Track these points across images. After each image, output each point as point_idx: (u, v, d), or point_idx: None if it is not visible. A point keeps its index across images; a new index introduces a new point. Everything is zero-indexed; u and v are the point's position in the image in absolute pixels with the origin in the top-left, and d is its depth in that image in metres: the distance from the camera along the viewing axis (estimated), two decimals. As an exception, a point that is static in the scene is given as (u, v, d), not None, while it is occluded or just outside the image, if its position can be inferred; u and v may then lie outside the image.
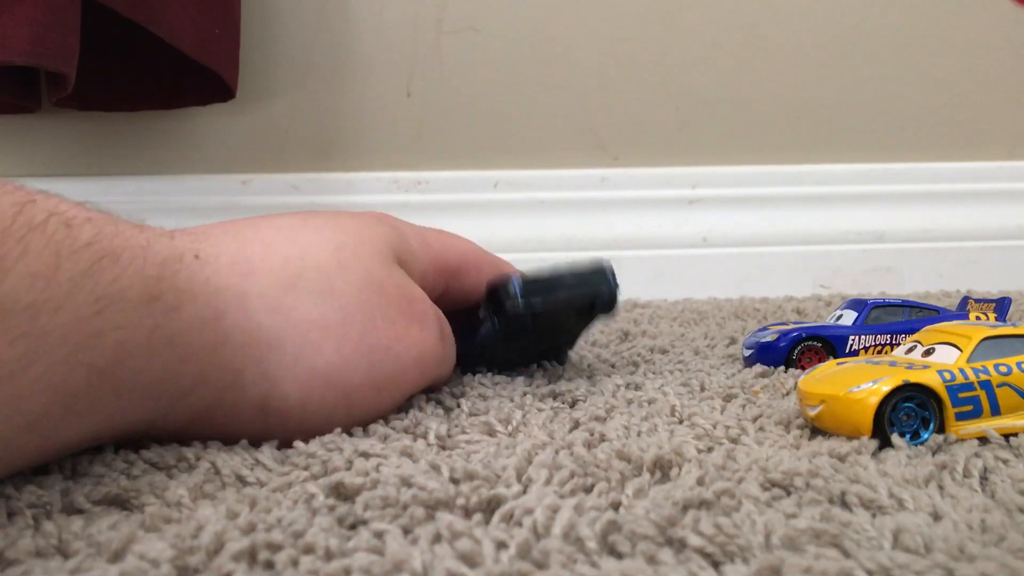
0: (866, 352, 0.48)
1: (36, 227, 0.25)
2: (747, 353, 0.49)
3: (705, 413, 0.37)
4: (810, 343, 0.48)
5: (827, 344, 0.48)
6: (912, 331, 0.48)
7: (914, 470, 0.28)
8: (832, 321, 0.51)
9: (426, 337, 0.36)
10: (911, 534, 0.23)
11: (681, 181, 0.97)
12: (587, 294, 0.42)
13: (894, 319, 0.49)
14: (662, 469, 0.29)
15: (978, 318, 0.50)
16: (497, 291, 0.42)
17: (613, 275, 0.43)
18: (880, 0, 1.00)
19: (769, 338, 0.48)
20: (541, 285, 0.42)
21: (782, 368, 0.47)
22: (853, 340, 0.48)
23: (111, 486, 0.28)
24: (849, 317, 0.50)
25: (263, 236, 0.34)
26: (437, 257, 0.41)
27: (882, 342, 0.48)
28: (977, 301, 0.53)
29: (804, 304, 0.80)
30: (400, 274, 0.37)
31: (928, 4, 1.01)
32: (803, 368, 0.47)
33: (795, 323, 0.53)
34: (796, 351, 0.47)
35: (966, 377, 0.33)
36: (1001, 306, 0.51)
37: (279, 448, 0.32)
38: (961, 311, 0.52)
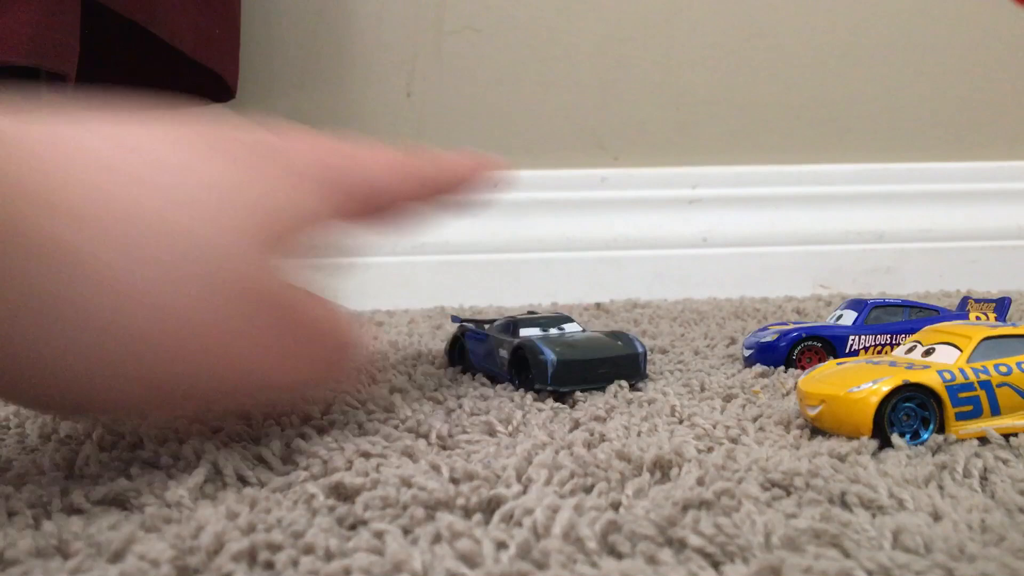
0: (866, 352, 0.48)
1: None
2: (747, 353, 0.49)
3: (705, 413, 0.37)
4: (810, 343, 0.48)
5: (827, 344, 0.48)
6: (912, 331, 0.48)
7: (914, 470, 0.28)
8: (832, 321, 0.51)
9: (277, 362, 0.29)
10: (911, 534, 0.23)
11: (681, 181, 0.97)
12: (614, 379, 0.43)
13: (894, 319, 0.49)
14: (662, 469, 0.29)
15: (978, 318, 0.50)
16: (527, 364, 0.42)
17: (645, 360, 0.44)
18: (880, 0, 1.00)
19: (769, 338, 0.48)
20: (574, 370, 0.41)
21: (782, 368, 0.47)
22: (853, 340, 0.48)
23: (111, 486, 0.28)
24: (849, 317, 0.50)
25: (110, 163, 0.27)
26: (341, 187, 0.33)
27: (882, 342, 0.48)
28: (977, 301, 0.53)
29: (804, 304, 0.80)
30: (260, 273, 0.29)
31: (928, 4, 1.01)
32: (803, 368, 0.47)
33: (795, 323, 0.53)
34: (796, 351, 0.47)
35: (966, 377, 0.33)
36: (1001, 306, 0.51)
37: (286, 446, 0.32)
38: (961, 311, 0.52)
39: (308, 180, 0.32)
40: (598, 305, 0.86)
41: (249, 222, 0.28)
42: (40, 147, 0.25)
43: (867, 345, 0.48)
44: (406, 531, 0.24)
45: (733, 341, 0.58)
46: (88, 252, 0.25)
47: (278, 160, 0.31)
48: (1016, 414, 0.33)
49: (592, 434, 0.33)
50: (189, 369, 0.27)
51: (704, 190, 0.96)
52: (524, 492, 0.27)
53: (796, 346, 0.47)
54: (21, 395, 0.28)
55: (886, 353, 0.47)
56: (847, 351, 0.48)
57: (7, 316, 0.24)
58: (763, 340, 0.49)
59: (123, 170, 0.27)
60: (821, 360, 0.47)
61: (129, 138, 0.28)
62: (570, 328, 0.46)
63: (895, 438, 0.31)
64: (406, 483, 0.27)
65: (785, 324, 0.52)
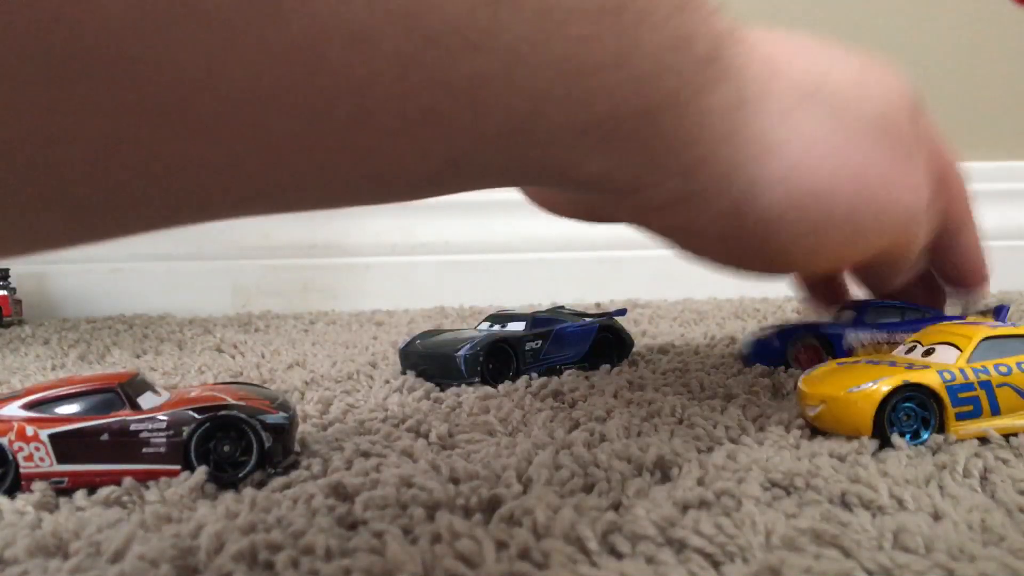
0: (863, 348, 0.48)
1: None
2: (745, 351, 0.49)
3: (705, 413, 0.37)
4: (807, 341, 0.48)
5: (824, 342, 0.48)
6: (911, 331, 0.48)
7: (914, 470, 0.28)
8: (832, 319, 0.51)
9: (917, 198, 0.35)
10: (911, 534, 0.23)
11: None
12: (432, 376, 0.47)
13: (891, 320, 0.49)
14: (662, 469, 0.29)
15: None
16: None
17: (472, 362, 0.47)
18: (880, 1, 1.00)
19: (766, 335, 0.48)
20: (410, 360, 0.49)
21: (782, 368, 0.47)
22: (850, 337, 0.48)
23: (112, 486, 0.28)
24: (849, 316, 0.50)
25: (791, 45, 0.34)
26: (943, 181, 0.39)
27: (879, 340, 0.48)
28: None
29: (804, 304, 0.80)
30: (907, 130, 0.35)
31: (928, 5, 1.01)
32: (800, 366, 0.47)
33: (795, 323, 0.53)
34: (793, 349, 0.47)
35: (966, 377, 0.33)
36: (998, 315, 0.50)
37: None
38: (954, 314, 0.52)
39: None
40: (598, 305, 0.86)
41: (894, 93, 0.35)
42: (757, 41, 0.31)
43: (864, 343, 0.48)
44: (406, 531, 0.24)
45: (733, 341, 0.58)
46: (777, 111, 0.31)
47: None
48: (1016, 414, 0.33)
49: (592, 434, 0.33)
50: (864, 204, 0.33)
51: (704, 190, 0.96)
52: (524, 492, 0.27)
53: (793, 344, 0.47)
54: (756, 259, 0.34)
55: (883, 352, 0.47)
56: (844, 349, 0.48)
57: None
58: (760, 338, 0.49)
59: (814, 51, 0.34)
60: (818, 358, 0.47)
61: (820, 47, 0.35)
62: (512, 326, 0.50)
63: (895, 438, 0.31)
64: (406, 483, 0.27)
65: (783, 324, 0.52)
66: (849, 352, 0.48)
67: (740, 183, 0.30)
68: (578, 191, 0.29)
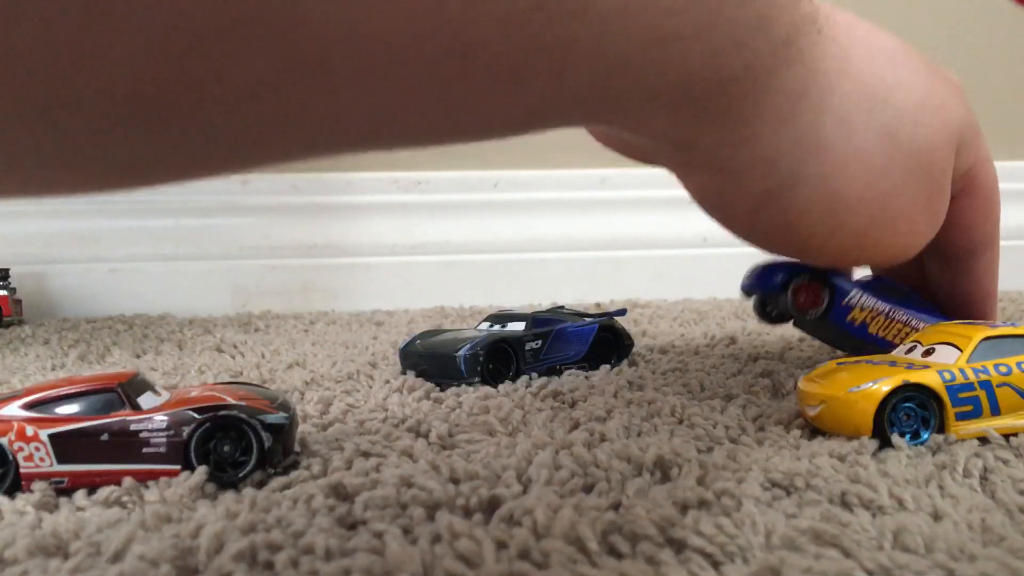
0: (861, 313, 0.46)
1: None
2: (747, 280, 0.48)
3: (705, 413, 0.37)
4: (811, 281, 0.45)
5: (829, 289, 0.45)
6: (911, 309, 0.46)
7: (914, 470, 0.28)
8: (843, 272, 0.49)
9: (930, 230, 0.37)
10: (911, 534, 0.23)
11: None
12: (432, 375, 0.48)
13: (898, 298, 0.48)
14: (662, 469, 0.29)
15: None
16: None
17: (471, 361, 0.47)
18: (880, 1, 1.00)
19: (772, 265, 0.46)
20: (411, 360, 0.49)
21: (781, 367, 0.47)
22: (854, 295, 0.45)
23: (112, 486, 0.28)
24: (860, 276, 0.48)
25: (871, 43, 0.34)
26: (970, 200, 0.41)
27: (880, 310, 0.46)
28: None
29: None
30: (948, 167, 0.36)
31: (928, 5, 1.01)
32: (796, 304, 0.45)
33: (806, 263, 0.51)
34: (794, 283, 0.45)
35: (966, 377, 0.33)
36: None
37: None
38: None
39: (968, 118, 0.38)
40: (598, 305, 0.86)
41: (947, 129, 0.35)
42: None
43: (866, 306, 0.46)
44: (406, 531, 0.24)
45: (733, 341, 0.58)
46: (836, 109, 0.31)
47: (955, 87, 0.37)
48: (1016, 414, 0.33)
49: (592, 434, 0.33)
50: (881, 224, 0.34)
51: (704, 190, 0.96)
52: (524, 492, 0.27)
53: (796, 278, 0.45)
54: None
55: (880, 324, 0.46)
56: (843, 303, 0.45)
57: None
58: (766, 266, 0.47)
59: (872, 50, 0.34)
60: (817, 301, 0.45)
61: (874, 34, 0.35)
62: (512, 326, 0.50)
63: (895, 438, 0.31)
64: (406, 483, 0.27)
65: (794, 260, 0.50)
66: (847, 309, 0.46)
67: (783, 171, 0.31)
68: (635, 138, 0.30)
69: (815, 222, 0.33)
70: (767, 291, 0.46)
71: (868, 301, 0.46)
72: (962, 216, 0.40)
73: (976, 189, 0.40)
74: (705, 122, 0.27)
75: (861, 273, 0.49)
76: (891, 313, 0.46)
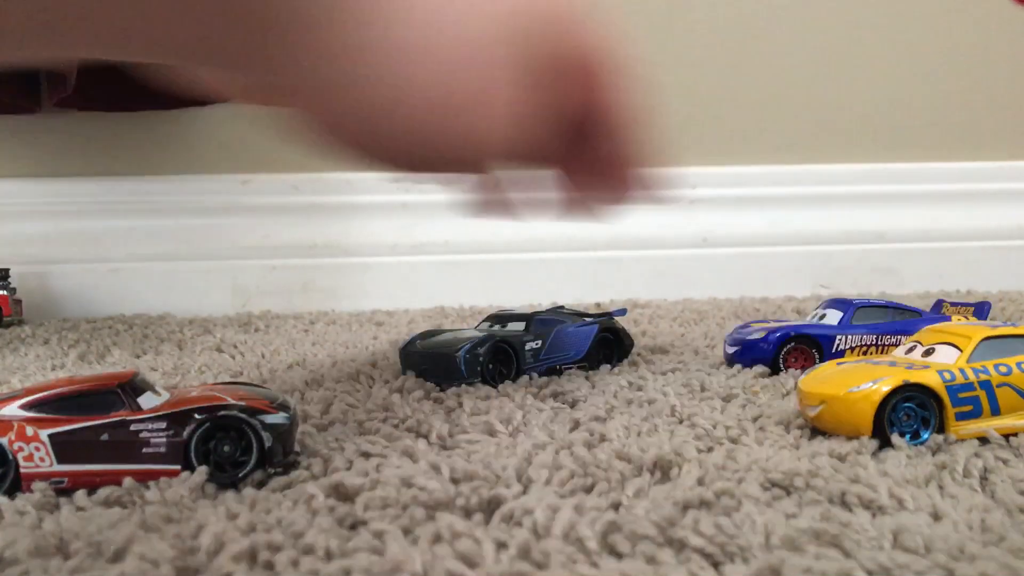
0: (852, 352, 0.47)
1: None
2: (731, 351, 0.49)
3: (705, 413, 0.37)
4: (797, 343, 0.47)
5: (814, 344, 0.47)
6: (897, 332, 0.48)
7: (914, 470, 0.28)
8: (814, 320, 0.50)
9: (506, 128, 0.34)
10: (911, 534, 0.23)
11: (681, 181, 0.97)
12: (431, 377, 0.47)
13: (879, 320, 0.49)
14: (662, 469, 0.29)
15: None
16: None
17: (467, 362, 0.47)
18: (880, 1, 1.00)
19: (755, 336, 0.48)
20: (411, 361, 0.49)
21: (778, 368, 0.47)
22: (840, 340, 0.47)
23: (112, 486, 0.28)
24: (833, 316, 0.49)
25: None
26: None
27: (868, 342, 0.48)
28: (953, 304, 0.52)
29: (804, 304, 0.80)
30: (509, 54, 0.33)
31: (928, 5, 1.01)
32: (788, 369, 0.46)
33: (776, 321, 0.52)
34: (784, 351, 0.47)
35: (966, 377, 0.33)
36: (980, 310, 0.50)
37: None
38: (935, 314, 0.52)
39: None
40: (598, 305, 0.86)
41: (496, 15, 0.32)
42: None
43: (854, 345, 0.47)
44: (406, 531, 0.24)
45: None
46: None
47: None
48: (1016, 414, 0.33)
49: (592, 434, 0.33)
50: (460, 117, 0.32)
51: (704, 190, 0.96)
52: (524, 492, 0.27)
53: (783, 346, 0.47)
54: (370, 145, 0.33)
55: (872, 354, 0.47)
56: (833, 351, 0.47)
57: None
58: (748, 338, 0.48)
59: None
60: (808, 360, 0.47)
61: None
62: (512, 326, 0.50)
63: (895, 438, 0.31)
64: (406, 483, 0.27)
65: (766, 322, 0.52)
66: (840, 354, 0.47)
67: (335, 74, 0.30)
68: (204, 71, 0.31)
69: (374, 126, 0.31)
70: (759, 362, 0.47)
71: (855, 338, 0.47)
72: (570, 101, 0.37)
73: (583, 71, 0.36)
74: (242, 37, 0.27)
75: (837, 316, 0.49)
76: (879, 340, 0.48)
